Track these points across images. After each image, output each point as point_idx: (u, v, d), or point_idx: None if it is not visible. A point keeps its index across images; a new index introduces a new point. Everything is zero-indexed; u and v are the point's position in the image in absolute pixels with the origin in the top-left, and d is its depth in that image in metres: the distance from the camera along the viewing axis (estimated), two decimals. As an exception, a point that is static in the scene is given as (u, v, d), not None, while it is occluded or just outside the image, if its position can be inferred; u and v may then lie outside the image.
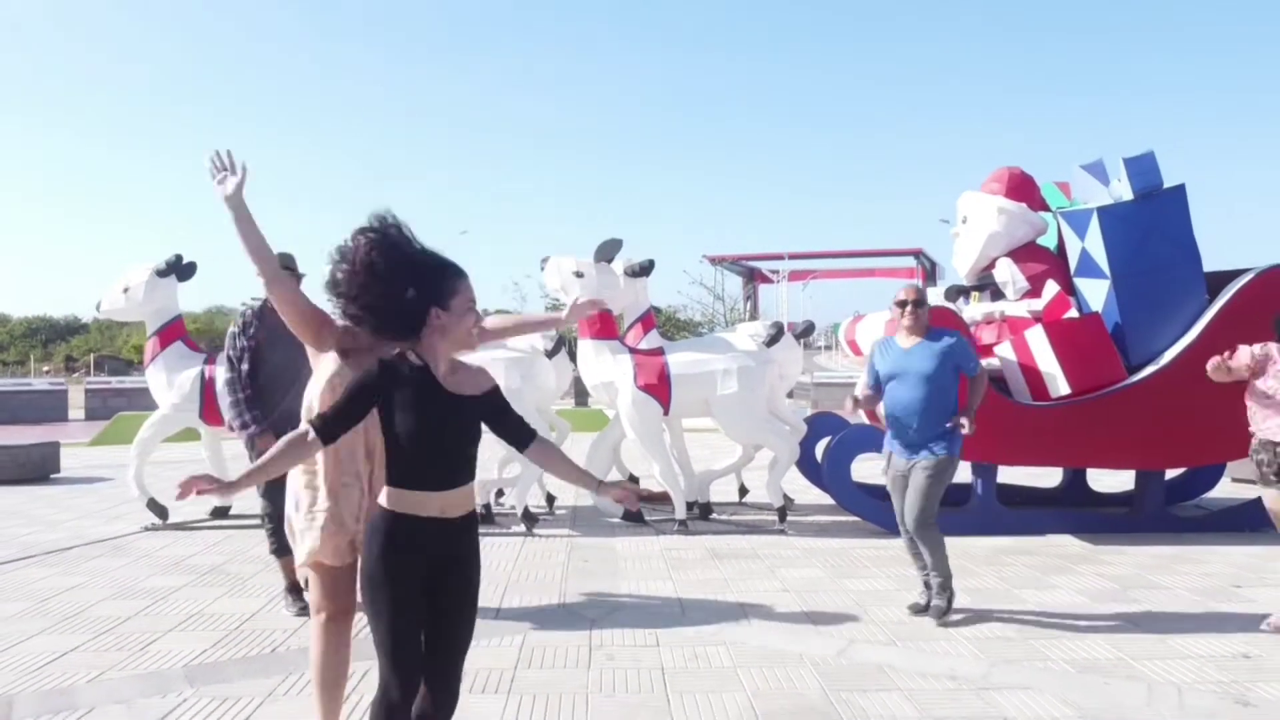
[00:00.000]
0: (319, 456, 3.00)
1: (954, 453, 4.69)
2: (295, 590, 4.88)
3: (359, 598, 2.72)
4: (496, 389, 2.71)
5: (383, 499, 2.56)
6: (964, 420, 4.60)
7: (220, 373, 5.57)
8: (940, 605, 4.75)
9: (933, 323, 4.86)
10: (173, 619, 4.85)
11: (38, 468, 9.96)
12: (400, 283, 2.50)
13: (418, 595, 2.54)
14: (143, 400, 23.52)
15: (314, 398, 3.09)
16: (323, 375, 3.11)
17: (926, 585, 4.87)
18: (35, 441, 10.55)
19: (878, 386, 4.93)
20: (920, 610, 4.83)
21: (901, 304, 4.82)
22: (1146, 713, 3.61)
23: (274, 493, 4.42)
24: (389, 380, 2.51)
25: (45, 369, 62.50)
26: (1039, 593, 5.36)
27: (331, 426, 2.51)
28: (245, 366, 4.89)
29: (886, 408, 4.83)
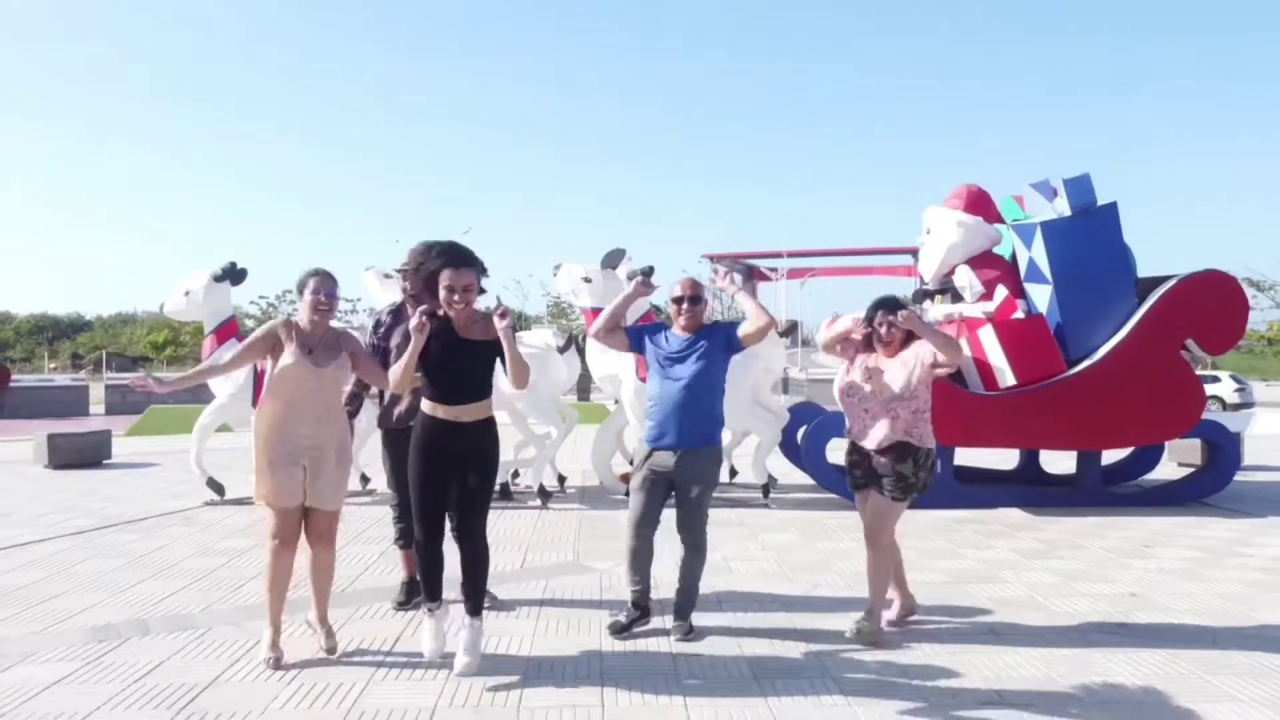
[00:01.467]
0: (277, 412, 4.05)
1: (720, 442, 4.62)
2: (411, 584, 4.93)
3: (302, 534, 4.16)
4: (497, 340, 3.96)
5: (422, 406, 3.98)
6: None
7: None
8: (685, 626, 4.46)
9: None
10: (251, 571, 5.81)
11: (93, 453, 10.93)
12: (431, 279, 3.97)
13: (438, 473, 3.93)
14: (159, 395, 24.69)
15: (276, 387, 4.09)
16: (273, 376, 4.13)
17: (636, 605, 4.57)
18: (90, 430, 11.51)
19: (636, 337, 4.72)
20: (622, 629, 4.47)
21: (678, 300, 4.57)
22: (1044, 630, 4.58)
23: (404, 489, 4.60)
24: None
25: (52, 366, 63.39)
26: (978, 551, 6.34)
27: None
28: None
29: (656, 400, 4.51)
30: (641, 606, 4.58)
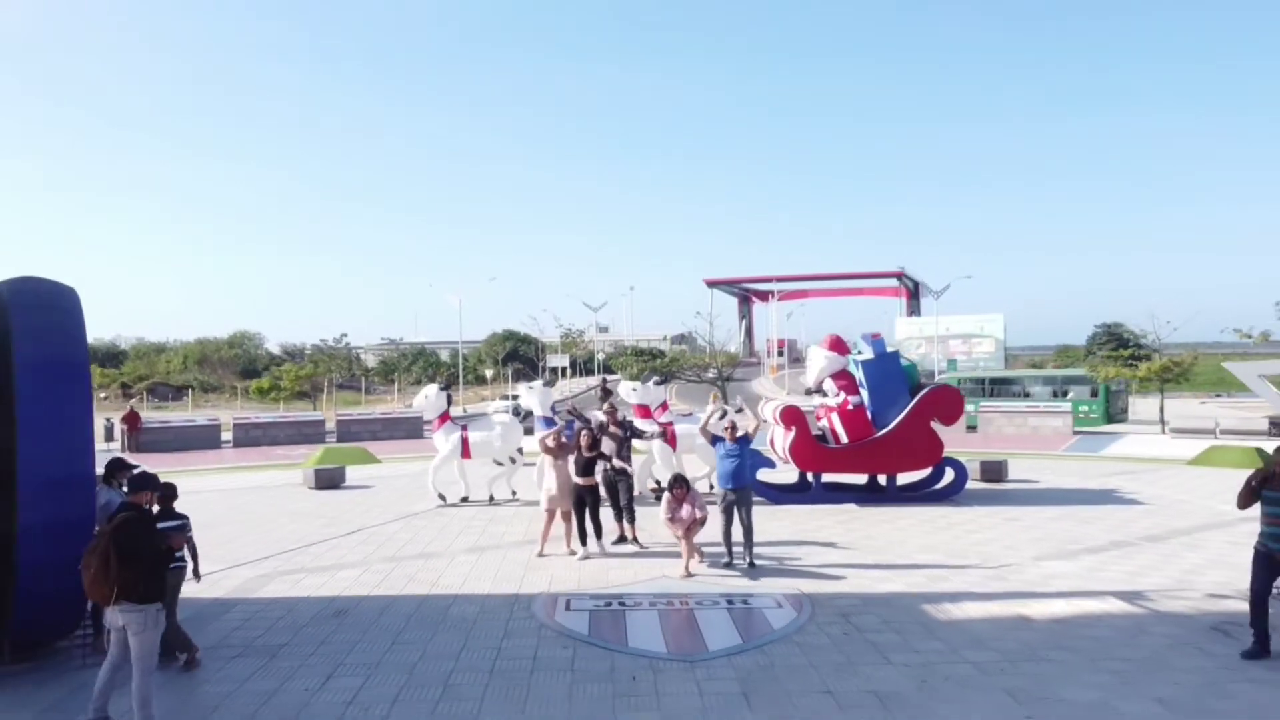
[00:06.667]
0: (546, 473, 11.66)
1: (751, 484, 11.68)
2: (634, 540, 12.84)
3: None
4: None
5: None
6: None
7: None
8: (747, 560, 10.88)
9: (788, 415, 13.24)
10: (498, 533, 13.42)
11: (335, 479, 18.56)
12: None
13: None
14: (274, 431, 32.51)
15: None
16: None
17: (732, 555, 11.05)
18: (333, 466, 19.21)
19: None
20: (726, 565, 10.87)
21: (728, 428, 10.90)
22: (815, 546, 12.21)
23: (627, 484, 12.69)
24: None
25: (103, 396, 69.85)
26: (816, 521, 13.99)
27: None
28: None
29: (724, 468, 10.80)
30: (730, 557, 11.02)
